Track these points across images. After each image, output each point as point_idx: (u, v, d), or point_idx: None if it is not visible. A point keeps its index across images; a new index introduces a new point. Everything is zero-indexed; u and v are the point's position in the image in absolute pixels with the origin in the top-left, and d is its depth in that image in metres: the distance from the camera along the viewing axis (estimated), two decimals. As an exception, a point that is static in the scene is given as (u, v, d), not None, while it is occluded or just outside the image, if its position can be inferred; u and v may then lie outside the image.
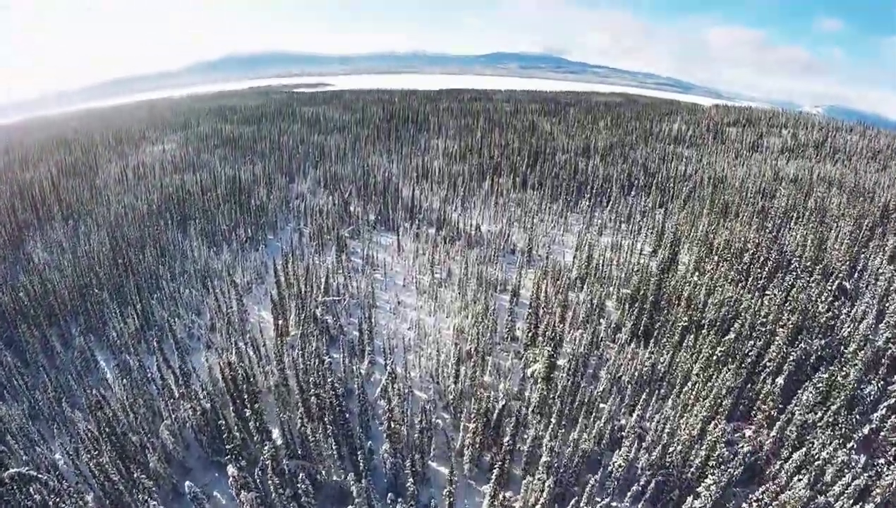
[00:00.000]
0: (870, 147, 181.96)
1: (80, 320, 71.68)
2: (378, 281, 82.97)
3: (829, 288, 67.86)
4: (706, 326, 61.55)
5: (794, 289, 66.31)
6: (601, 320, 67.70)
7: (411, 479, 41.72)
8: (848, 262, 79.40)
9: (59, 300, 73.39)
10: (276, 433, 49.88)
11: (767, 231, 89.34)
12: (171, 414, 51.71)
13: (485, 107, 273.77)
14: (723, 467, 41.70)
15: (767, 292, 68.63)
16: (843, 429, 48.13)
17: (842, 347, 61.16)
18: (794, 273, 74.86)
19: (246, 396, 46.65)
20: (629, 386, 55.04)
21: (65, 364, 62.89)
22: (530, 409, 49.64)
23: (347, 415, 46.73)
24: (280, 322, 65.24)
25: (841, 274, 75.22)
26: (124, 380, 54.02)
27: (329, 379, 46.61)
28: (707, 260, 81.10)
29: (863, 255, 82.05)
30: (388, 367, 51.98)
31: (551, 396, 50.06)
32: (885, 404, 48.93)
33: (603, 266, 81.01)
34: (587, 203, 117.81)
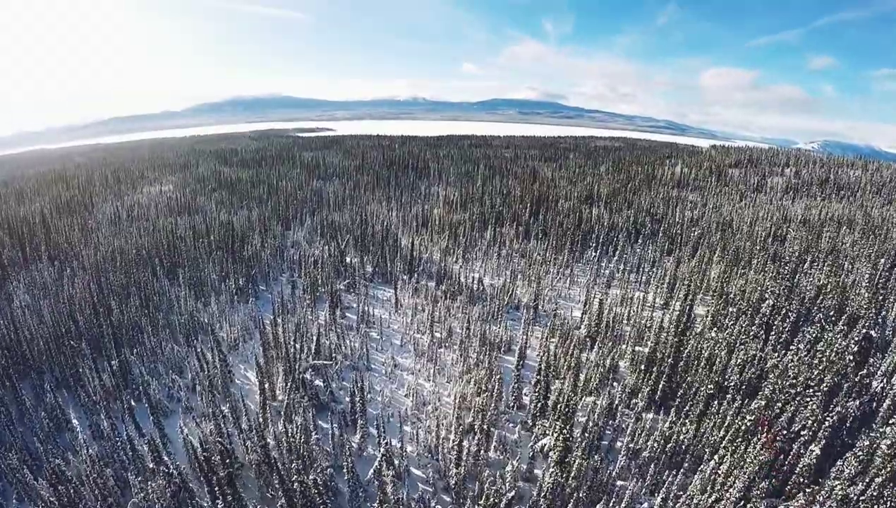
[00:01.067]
0: (873, 181, 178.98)
1: (55, 372, 66.30)
2: (373, 341, 77.83)
3: (856, 338, 62.77)
4: (731, 390, 56.31)
5: (821, 343, 61.20)
6: (615, 383, 62.46)
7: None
8: (872, 309, 74.51)
9: (33, 349, 68.08)
10: (255, 523, 44.14)
11: (783, 278, 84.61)
12: (141, 489, 45.92)
13: (485, 154, 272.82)
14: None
15: (792, 346, 63.58)
16: (889, 503, 42.52)
17: (874, 403, 55.83)
18: (819, 324, 69.98)
19: (223, 475, 41.14)
20: (651, 464, 49.49)
21: (34, 422, 57.20)
22: (542, 496, 44.02)
23: (336, 498, 41.29)
24: (266, 385, 59.96)
25: (867, 323, 70.27)
26: (94, 446, 48.52)
27: (315, 464, 41.36)
28: (724, 313, 76.11)
29: (885, 299, 77.10)
30: (383, 446, 46.56)
31: (566, 480, 44.51)
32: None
33: (614, 322, 75.93)
34: (593, 253, 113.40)
